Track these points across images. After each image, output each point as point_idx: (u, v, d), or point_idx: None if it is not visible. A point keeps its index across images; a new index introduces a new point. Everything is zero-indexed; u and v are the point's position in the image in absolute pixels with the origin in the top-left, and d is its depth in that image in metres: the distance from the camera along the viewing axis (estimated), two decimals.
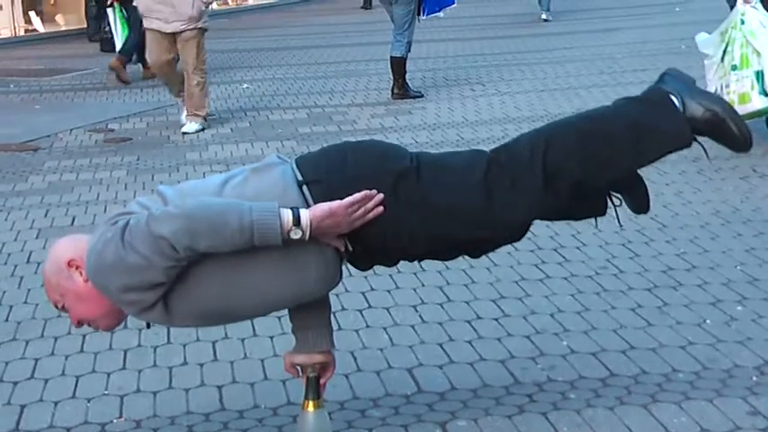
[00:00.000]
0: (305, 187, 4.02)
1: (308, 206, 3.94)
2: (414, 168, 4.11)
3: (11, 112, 14.06)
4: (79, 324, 4.21)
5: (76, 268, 4.07)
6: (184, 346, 5.87)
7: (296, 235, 3.85)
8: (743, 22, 8.58)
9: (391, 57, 13.63)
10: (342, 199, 3.93)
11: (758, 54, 8.44)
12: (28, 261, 7.58)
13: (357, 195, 3.97)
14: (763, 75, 8.44)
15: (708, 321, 5.90)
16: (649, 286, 6.46)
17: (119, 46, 16.05)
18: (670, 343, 5.62)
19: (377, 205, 4.01)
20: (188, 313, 4.10)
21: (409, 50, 13.73)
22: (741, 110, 8.40)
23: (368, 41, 19.64)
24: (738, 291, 6.33)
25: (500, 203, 4.08)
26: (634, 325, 5.39)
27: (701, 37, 8.98)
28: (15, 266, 7.54)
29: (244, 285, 4.04)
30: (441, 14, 14.66)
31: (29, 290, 6.88)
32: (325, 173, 4.08)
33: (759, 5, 8.64)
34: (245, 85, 15.41)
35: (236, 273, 4.00)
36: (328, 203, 3.93)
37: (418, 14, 13.89)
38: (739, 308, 6.07)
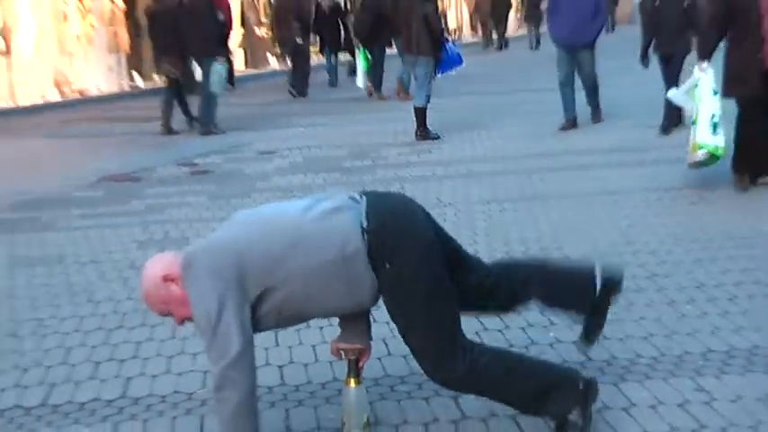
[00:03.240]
0: (366, 234, 4.01)
1: (364, 251, 3.99)
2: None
3: (118, 151, 14.12)
4: (182, 323, 4.24)
5: (172, 281, 4.09)
6: None
7: None
8: (697, 86, 8.54)
9: (415, 107, 13.68)
10: (385, 254, 4.01)
11: (699, 113, 8.43)
12: (131, 267, 7.57)
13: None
14: (698, 129, 8.42)
15: (663, 318, 5.89)
16: None
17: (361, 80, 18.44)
18: (635, 334, 5.61)
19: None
20: (271, 325, 4.21)
21: (429, 101, 13.76)
22: (692, 157, 8.66)
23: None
24: (688, 293, 6.31)
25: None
26: (607, 319, 5.40)
27: (672, 92, 8.93)
28: (121, 270, 7.56)
29: (317, 304, 4.11)
30: (452, 73, 14.70)
31: (132, 288, 6.86)
32: (384, 234, 4.03)
33: (710, 71, 8.56)
34: (300, 129, 15.41)
35: (311, 298, 4.06)
36: None
37: (435, 73, 13.95)
38: (689, 306, 6.05)
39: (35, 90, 19.44)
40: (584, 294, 4.59)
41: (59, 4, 19.92)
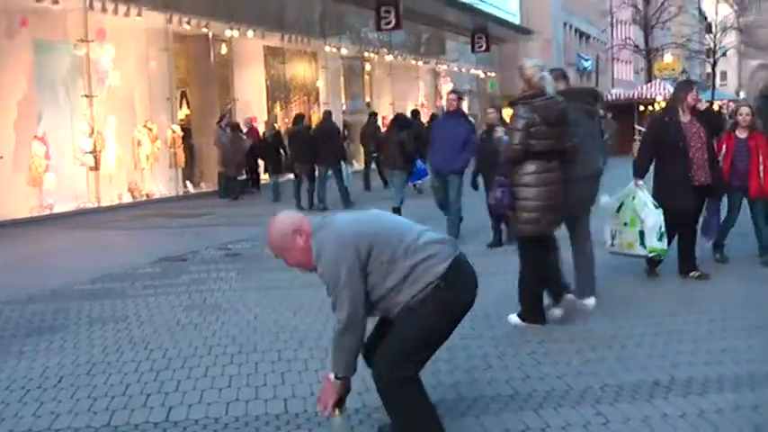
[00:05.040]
0: (435, 286, 3.99)
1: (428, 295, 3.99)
2: None
3: (172, 238, 14.07)
4: (293, 266, 4.22)
5: (299, 234, 4.09)
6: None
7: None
8: (634, 198, 8.29)
9: (392, 207, 13.43)
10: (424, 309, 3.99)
11: (642, 221, 8.15)
12: (177, 324, 7.51)
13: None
14: (644, 234, 8.14)
15: (574, 361, 5.82)
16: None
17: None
18: (551, 373, 5.54)
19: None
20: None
21: (402, 203, 13.64)
22: (627, 251, 8.38)
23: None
24: (591, 344, 6.24)
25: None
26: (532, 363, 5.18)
27: (604, 198, 8.43)
28: (170, 327, 7.45)
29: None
30: (420, 182, 14.61)
31: (177, 340, 6.83)
32: (454, 278, 4.04)
33: (644, 188, 8.33)
34: None
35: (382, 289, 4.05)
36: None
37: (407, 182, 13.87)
38: (592, 354, 5.97)
39: (114, 194, 19.61)
40: None
41: (135, 133, 20.19)
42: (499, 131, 7.02)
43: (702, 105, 9.20)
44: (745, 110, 9.43)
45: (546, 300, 7.16)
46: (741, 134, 9.30)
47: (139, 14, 19.84)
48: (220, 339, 6.94)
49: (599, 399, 5.13)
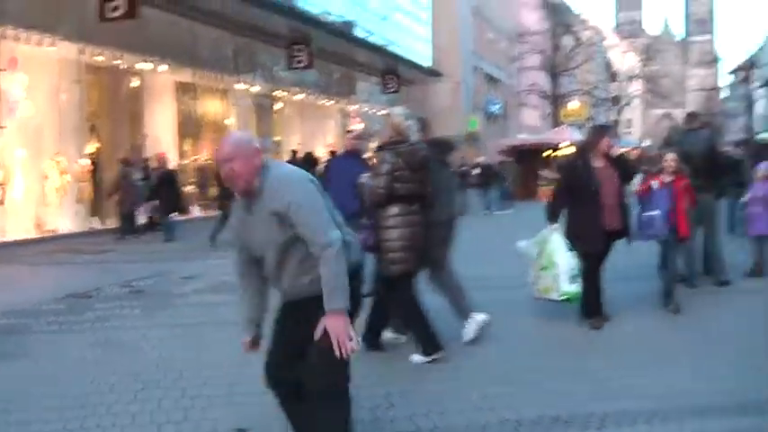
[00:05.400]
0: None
1: None
2: None
3: (77, 274, 13.97)
4: (231, 177, 4.16)
5: (259, 155, 4.18)
6: None
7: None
8: (549, 242, 8.38)
9: None
10: None
11: (556, 265, 8.24)
12: (83, 360, 7.54)
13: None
14: (558, 278, 8.21)
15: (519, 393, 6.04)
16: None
17: None
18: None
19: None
20: None
21: None
22: (546, 296, 8.42)
23: None
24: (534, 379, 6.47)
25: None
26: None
27: (521, 243, 8.64)
28: (75, 364, 7.46)
29: None
30: None
31: (82, 378, 6.83)
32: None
33: (559, 230, 8.40)
34: (212, 261, 15.36)
35: None
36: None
37: None
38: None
39: (21, 229, 19.30)
40: None
41: (44, 166, 19.94)
42: (363, 177, 7.29)
43: (616, 151, 9.38)
44: (670, 155, 9.53)
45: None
46: (666, 179, 9.37)
47: (53, 44, 19.72)
48: (123, 377, 6.95)
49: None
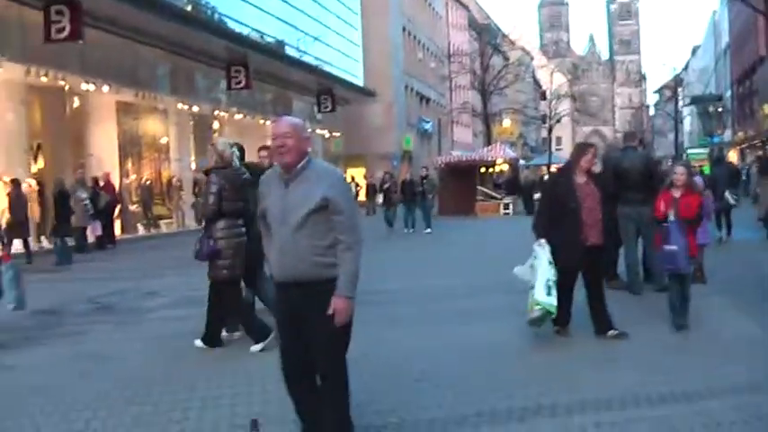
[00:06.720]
0: None
1: None
2: None
3: (38, 292, 13.74)
4: (282, 153, 4.69)
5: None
6: None
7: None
8: (536, 257, 8.36)
9: None
10: None
11: (537, 277, 8.24)
12: (82, 375, 7.74)
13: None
14: (534, 289, 8.21)
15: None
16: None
17: None
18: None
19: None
20: None
21: None
22: (531, 315, 8.32)
23: None
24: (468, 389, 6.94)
25: None
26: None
27: (517, 269, 8.59)
28: (75, 377, 7.67)
29: None
30: None
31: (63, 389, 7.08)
32: None
33: (546, 246, 8.33)
34: (173, 278, 15.66)
35: None
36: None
37: None
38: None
39: None
40: None
41: None
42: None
43: (597, 168, 9.56)
44: (680, 169, 9.39)
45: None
46: (676, 193, 9.16)
47: None
48: (116, 382, 7.20)
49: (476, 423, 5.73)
